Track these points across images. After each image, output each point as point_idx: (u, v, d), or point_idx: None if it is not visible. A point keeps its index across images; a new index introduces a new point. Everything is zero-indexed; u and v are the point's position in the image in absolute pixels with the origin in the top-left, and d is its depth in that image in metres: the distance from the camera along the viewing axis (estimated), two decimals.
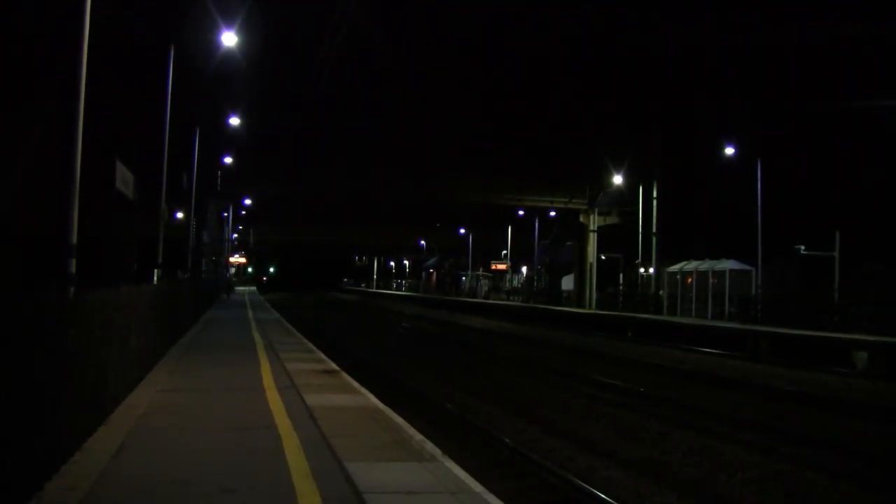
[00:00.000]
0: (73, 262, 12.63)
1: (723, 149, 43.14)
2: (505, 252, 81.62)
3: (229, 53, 27.99)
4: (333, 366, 17.27)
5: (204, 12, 26.94)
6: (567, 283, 66.35)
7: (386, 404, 12.12)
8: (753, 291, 38.24)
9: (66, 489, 6.85)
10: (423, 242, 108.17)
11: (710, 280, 40.13)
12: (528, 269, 79.55)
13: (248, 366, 16.39)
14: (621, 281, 56.53)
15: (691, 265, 42.73)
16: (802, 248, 36.95)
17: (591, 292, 56.62)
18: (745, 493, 10.84)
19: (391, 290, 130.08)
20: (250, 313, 40.76)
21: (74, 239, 12.63)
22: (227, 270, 77.36)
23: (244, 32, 27.64)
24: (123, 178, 17.62)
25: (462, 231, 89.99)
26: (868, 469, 11.83)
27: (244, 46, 29.20)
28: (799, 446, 13.15)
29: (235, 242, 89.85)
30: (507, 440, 13.01)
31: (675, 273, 43.95)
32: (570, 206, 58.49)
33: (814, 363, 24.63)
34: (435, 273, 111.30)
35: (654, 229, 50.29)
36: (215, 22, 26.57)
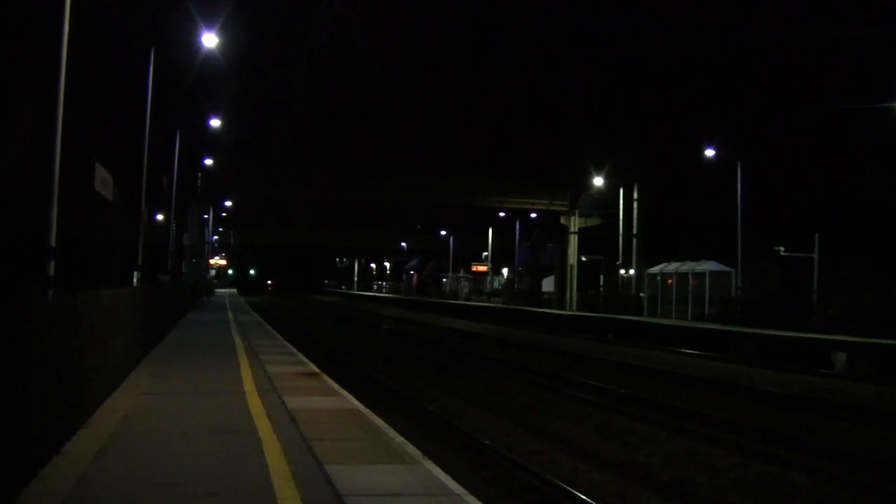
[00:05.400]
0: (53, 264, 12.54)
1: (704, 151, 43.32)
2: (486, 254, 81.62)
3: (211, 55, 27.90)
4: (314, 368, 17.21)
5: (186, 13, 26.84)
6: (548, 284, 66.48)
7: (367, 407, 12.09)
8: (733, 293, 38.40)
9: (44, 494, 6.78)
10: (404, 244, 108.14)
11: (691, 282, 40.24)
12: (509, 271, 79.59)
13: (229, 369, 16.31)
14: (602, 283, 56.68)
15: (671, 267, 42.83)
16: (782, 249, 37.16)
17: (572, 294, 56.70)
18: (729, 495, 10.87)
19: (372, 292, 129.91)
20: (231, 315, 40.61)
21: (54, 241, 12.54)
22: (208, 272, 76.99)
23: (227, 34, 27.59)
24: (103, 179, 17.47)
25: (443, 233, 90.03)
26: (849, 470, 11.89)
27: (227, 48, 29.16)
28: (780, 447, 13.21)
29: (216, 244, 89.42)
30: (489, 442, 12.98)
31: (655, 275, 44.07)
32: (552, 207, 58.60)
33: (793, 364, 24.76)
34: (416, 275, 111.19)
35: (634, 231, 50.49)
36: (197, 23, 26.47)
